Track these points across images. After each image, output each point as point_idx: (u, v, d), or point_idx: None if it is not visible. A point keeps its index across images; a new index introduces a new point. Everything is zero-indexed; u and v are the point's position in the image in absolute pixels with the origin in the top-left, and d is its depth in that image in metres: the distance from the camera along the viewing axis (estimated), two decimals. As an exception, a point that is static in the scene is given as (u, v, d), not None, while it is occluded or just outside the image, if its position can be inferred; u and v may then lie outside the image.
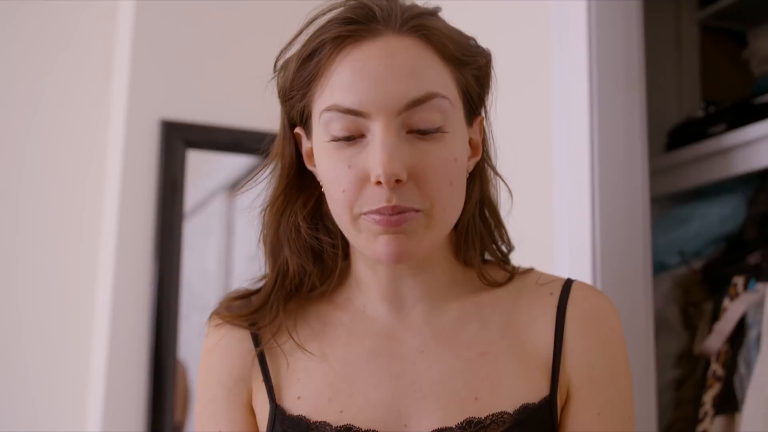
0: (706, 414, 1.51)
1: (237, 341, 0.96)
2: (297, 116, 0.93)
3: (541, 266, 1.51)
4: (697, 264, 1.70)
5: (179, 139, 2.23)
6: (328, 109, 0.86)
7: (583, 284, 0.95)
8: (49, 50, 2.26)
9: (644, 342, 1.49)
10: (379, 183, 0.83)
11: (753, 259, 1.53)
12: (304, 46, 0.90)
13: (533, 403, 0.87)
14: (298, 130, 0.94)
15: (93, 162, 2.30)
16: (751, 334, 1.46)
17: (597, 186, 1.49)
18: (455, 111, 0.89)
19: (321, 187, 0.92)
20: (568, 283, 0.94)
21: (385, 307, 0.94)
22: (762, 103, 1.74)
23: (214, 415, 0.95)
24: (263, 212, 0.97)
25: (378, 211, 0.84)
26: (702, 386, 1.56)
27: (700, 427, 1.51)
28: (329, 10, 0.90)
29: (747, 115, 1.73)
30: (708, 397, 1.52)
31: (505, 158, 1.68)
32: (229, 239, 2.61)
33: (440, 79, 0.87)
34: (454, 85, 0.89)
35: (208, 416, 0.96)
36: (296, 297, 0.97)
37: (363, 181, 0.85)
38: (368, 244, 0.87)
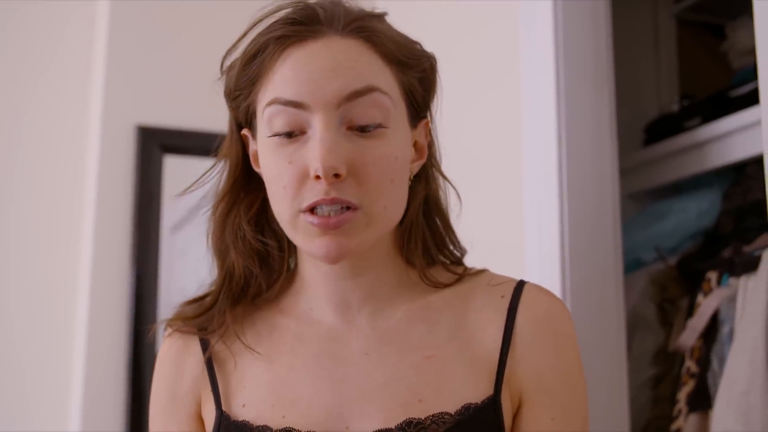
0: (680, 411, 1.50)
1: (187, 351, 0.97)
2: (243, 116, 0.93)
3: (512, 265, 1.51)
4: (674, 260, 1.69)
5: (156, 145, 2.23)
6: (270, 103, 0.86)
7: (535, 287, 0.94)
8: (27, 57, 2.26)
9: (615, 341, 1.48)
10: (318, 177, 0.83)
11: (726, 253, 1.51)
12: (248, 46, 0.90)
13: (476, 403, 0.86)
14: (245, 131, 0.95)
15: (71, 167, 2.30)
16: (724, 330, 1.45)
17: (566, 184, 1.48)
18: (397, 110, 0.88)
19: (266, 190, 0.92)
20: (520, 285, 0.93)
21: (330, 310, 0.93)
22: (737, 96, 1.73)
23: (165, 422, 0.96)
24: (210, 214, 0.97)
25: (316, 205, 0.84)
26: (678, 384, 1.54)
27: (675, 425, 1.50)
28: (275, 12, 0.91)
29: (722, 108, 1.71)
30: (682, 395, 1.50)
31: (475, 157, 1.69)
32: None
33: (381, 77, 0.88)
34: (396, 85, 0.89)
35: (158, 423, 0.97)
36: (244, 301, 0.97)
37: (303, 177, 0.85)
38: (307, 245, 0.87)
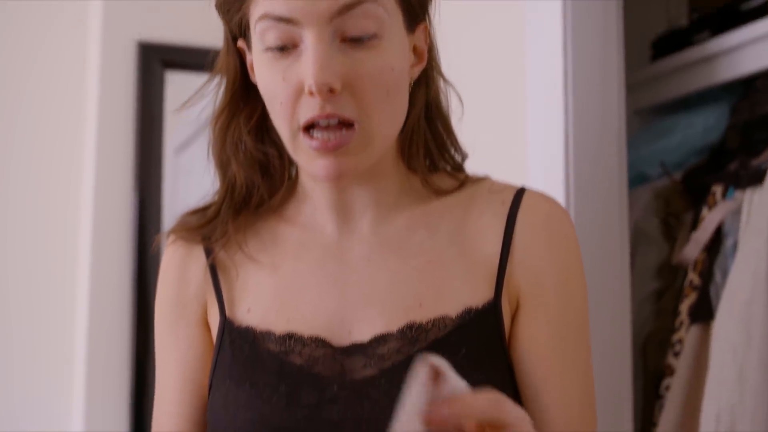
0: (681, 323, 1.51)
1: (191, 257, 0.97)
2: (236, 29, 0.92)
3: (515, 181, 1.50)
4: (679, 175, 1.68)
5: (157, 61, 2.20)
6: (261, 18, 0.85)
7: (535, 192, 0.94)
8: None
9: (619, 255, 1.48)
10: (312, 93, 0.82)
11: (732, 166, 1.51)
12: None
13: (476, 307, 0.87)
14: (240, 43, 0.93)
15: (71, 86, 2.28)
16: (728, 243, 1.45)
17: (571, 99, 1.47)
18: (392, 18, 0.86)
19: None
20: (520, 192, 0.93)
21: (333, 217, 0.93)
22: (749, 9, 1.69)
23: (172, 330, 0.96)
24: (211, 127, 0.97)
25: (313, 121, 0.83)
26: (680, 297, 1.55)
27: (676, 336, 1.51)
28: None
29: (732, 21, 1.68)
30: (684, 307, 1.51)
31: (477, 67, 1.66)
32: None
33: None
34: None
35: (165, 332, 0.97)
36: (246, 211, 0.97)
37: (298, 93, 0.84)
38: (307, 165, 0.87)
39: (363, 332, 0.87)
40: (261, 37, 0.85)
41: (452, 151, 0.97)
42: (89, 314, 2.25)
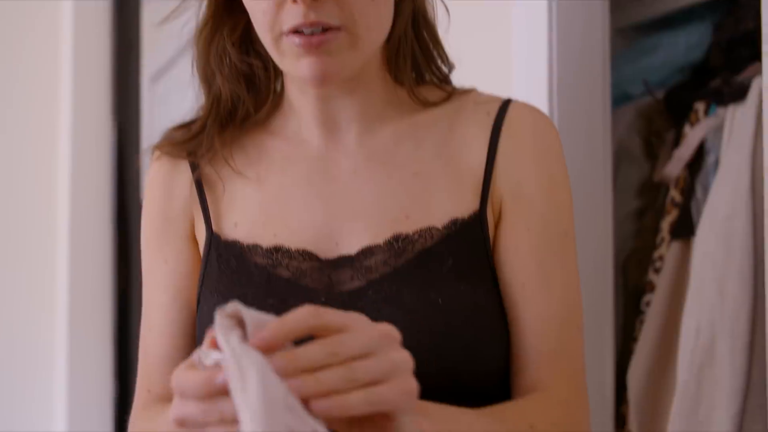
0: (662, 240, 1.52)
1: (176, 172, 0.97)
2: None
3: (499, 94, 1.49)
4: (662, 93, 1.67)
5: (132, -16, 2.16)
6: None
7: (521, 103, 0.94)
8: None
9: (602, 174, 1.49)
10: (295, 0, 0.81)
11: (715, 83, 1.50)
12: None
13: (462, 218, 0.87)
14: None
15: (46, 13, 2.23)
16: (710, 159, 1.45)
17: (555, 17, 1.45)
18: None
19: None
20: (506, 103, 0.93)
21: (318, 130, 0.93)
22: (733, -76, 1.67)
23: (159, 246, 0.96)
24: (194, 40, 0.96)
25: (296, 29, 0.82)
26: (662, 214, 1.56)
27: (657, 252, 1.53)
28: None
29: (716, -64, 1.66)
30: (665, 224, 1.52)
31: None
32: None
33: None
34: None
35: (153, 248, 0.97)
36: (232, 126, 0.97)
37: (281, 1, 0.82)
38: (292, 67, 0.86)
39: (350, 245, 0.87)
40: None
41: (439, 62, 0.97)
42: (70, 243, 2.24)
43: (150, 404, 0.92)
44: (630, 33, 1.85)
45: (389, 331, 0.65)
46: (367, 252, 0.86)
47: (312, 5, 0.81)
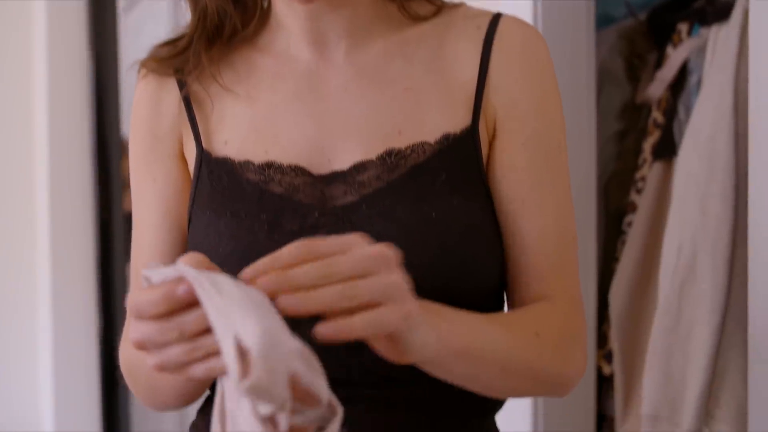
0: (645, 161, 1.54)
1: (163, 90, 0.95)
2: None
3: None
4: (644, 14, 1.67)
5: None
6: None
7: (511, 18, 0.93)
8: None
9: (585, 96, 1.49)
10: None
11: (698, 4, 1.50)
12: None
13: (455, 133, 0.87)
14: None
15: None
16: (692, 80, 1.45)
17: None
18: None
19: None
20: (496, 17, 0.92)
21: (307, 46, 0.92)
22: None
23: (148, 166, 0.95)
24: None
25: None
26: (644, 136, 1.57)
27: (639, 173, 1.54)
28: None
29: None
30: (647, 145, 1.53)
31: None
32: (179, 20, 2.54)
33: None
34: None
35: (141, 168, 0.96)
36: (219, 43, 0.95)
37: None
38: None
39: (342, 160, 0.87)
40: None
41: None
42: (49, 177, 2.22)
43: None
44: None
45: (386, 251, 0.65)
46: (359, 167, 0.86)
47: None
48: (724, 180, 1.29)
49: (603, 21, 1.73)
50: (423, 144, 0.86)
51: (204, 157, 0.91)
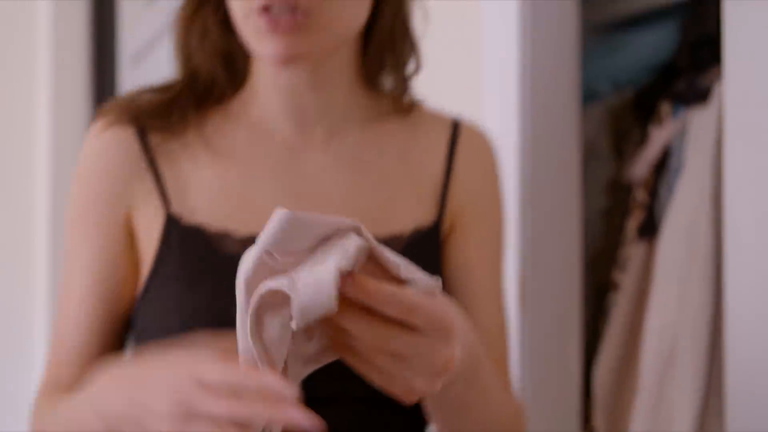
0: (628, 240, 1.54)
1: (123, 146, 0.90)
2: None
3: (471, 94, 1.50)
4: (629, 92, 1.69)
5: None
6: None
7: (471, 122, 0.99)
8: None
9: (571, 170, 1.50)
10: None
11: (680, 85, 1.52)
12: None
13: (424, 227, 0.90)
14: None
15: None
16: (674, 161, 1.47)
17: (527, 12, 1.46)
18: None
19: None
20: (458, 120, 0.97)
21: (286, 121, 0.92)
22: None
23: (86, 229, 0.90)
24: (176, 15, 0.93)
25: (266, 5, 0.82)
26: (629, 213, 1.58)
27: (622, 252, 1.55)
28: None
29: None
30: (631, 223, 1.54)
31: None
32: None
33: None
34: None
35: (79, 228, 0.91)
36: (203, 106, 0.93)
37: None
38: (257, 44, 0.85)
39: None
40: None
41: (409, 69, 0.98)
42: (50, 176, 2.21)
43: (55, 393, 0.88)
44: (599, 30, 1.86)
45: (449, 322, 0.67)
46: None
47: None
48: (705, 265, 1.29)
49: (589, 97, 1.75)
50: (398, 236, 0.88)
51: (173, 222, 0.87)
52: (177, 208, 0.87)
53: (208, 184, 0.89)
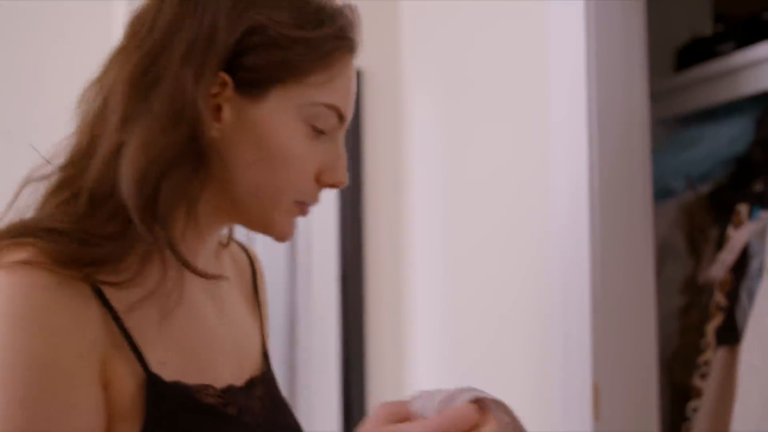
0: (708, 344, 1.49)
1: (81, 296, 0.77)
2: (261, 62, 0.81)
3: (540, 193, 1.49)
4: (704, 188, 1.66)
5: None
6: (328, 107, 0.85)
7: (251, 249, 1.05)
8: None
9: (645, 269, 1.47)
10: (334, 186, 0.88)
11: (758, 186, 1.48)
12: (318, 10, 0.85)
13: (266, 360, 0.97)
14: (224, 75, 0.80)
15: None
16: (754, 264, 1.43)
17: (595, 109, 1.46)
18: None
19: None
20: (246, 248, 1.04)
21: (209, 265, 0.94)
22: (773, 19, 1.67)
23: (67, 392, 0.76)
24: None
25: (309, 203, 0.89)
26: (706, 314, 1.53)
27: (702, 357, 1.50)
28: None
29: (757, 32, 1.65)
30: (710, 328, 1.50)
31: (500, 82, 1.64)
32: None
33: None
34: None
35: (58, 394, 0.76)
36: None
37: (317, 174, 0.87)
38: (282, 224, 0.88)
39: (242, 380, 0.91)
40: (314, 117, 0.85)
41: None
42: None
43: None
44: (672, 124, 1.84)
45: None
46: (251, 384, 0.92)
47: None
48: (789, 375, 1.24)
49: (662, 193, 1.72)
50: (262, 375, 0.95)
51: (155, 381, 0.79)
52: (155, 365, 0.80)
53: (165, 336, 0.83)
